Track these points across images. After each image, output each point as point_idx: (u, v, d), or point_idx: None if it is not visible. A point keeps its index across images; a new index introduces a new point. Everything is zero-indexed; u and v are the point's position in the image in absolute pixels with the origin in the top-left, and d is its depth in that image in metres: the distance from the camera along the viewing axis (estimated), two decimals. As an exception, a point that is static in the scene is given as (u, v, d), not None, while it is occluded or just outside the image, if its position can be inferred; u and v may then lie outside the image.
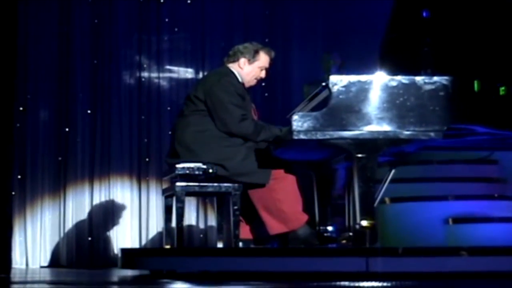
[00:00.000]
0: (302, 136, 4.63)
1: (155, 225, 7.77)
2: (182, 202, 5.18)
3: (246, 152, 5.22)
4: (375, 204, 4.73)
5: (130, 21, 7.98)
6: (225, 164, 5.18)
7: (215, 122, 5.22)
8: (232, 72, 5.39)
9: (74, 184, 7.68)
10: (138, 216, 7.77)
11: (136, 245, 7.66)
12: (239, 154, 5.20)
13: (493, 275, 4.39)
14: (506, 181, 6.23)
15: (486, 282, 4.28)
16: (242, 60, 5.42)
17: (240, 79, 5.39)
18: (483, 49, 5.42)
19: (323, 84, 4.81)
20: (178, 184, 5.18)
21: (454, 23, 5.48)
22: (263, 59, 5.45)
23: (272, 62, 5.57)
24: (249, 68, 5.43)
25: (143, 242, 7.73)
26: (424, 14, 5.44)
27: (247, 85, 5.45)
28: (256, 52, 5.43)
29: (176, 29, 8.08)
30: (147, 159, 7.85)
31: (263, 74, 5.49)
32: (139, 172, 7.83)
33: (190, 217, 7.77)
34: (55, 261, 7.58)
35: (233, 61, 5.43)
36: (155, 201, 7.80)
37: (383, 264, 4.36)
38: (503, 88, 5.06)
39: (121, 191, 7.78)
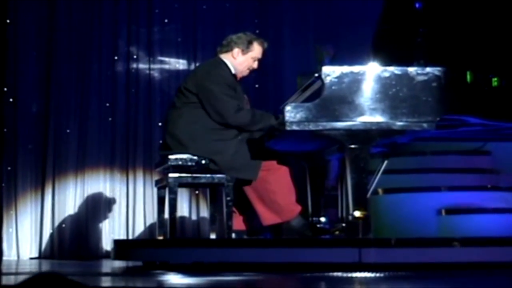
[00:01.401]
0: (295, 127, 4.63)
1: (144, 216, 7.76)
2: (175, 193, 5.18)
3: (236, 146, 5.21)
4: (368, 195, 4.74)
5: (120, 12, 7.95)
6: (215, 159, 5.17)
7: (210, 114, 5.21)
8: (224, 63, 5.37)
9: (63, 175, 7.67)
10: (125, 208, 7.76)
11: (124, 236, 7.65)
12: (229, 149, 5.19)
13: (485, 266, 4.40)
14: (498, 172, 6.24)
15: (479, 272, 4.29)
16: (236, 50, 5.40)
17: (232, 70, 5.38)
18: (475, 40, 5.42)
19: (316, 75, 4.80)
20: (171, 175, 5.17)
21: (447, 14, 5.47)
22: (257, 49, 5.44)
23: (265, 53, 5.56)
24: (243, 58, 5.42)
25: (131, 233, 7.72)
26: (417, 5, 5.44)
27: (239, 75, 5.44)
28: (250, 43, 5.42)
29: (166, 20, 8.06)
30: (135, 151, 7.83)
31: (255, 64, 5.49)
32: (127, 163, 7.82)
33: (183, 208, 7.77)
34: (45, 253, 7.57)
35: (227, 51, 5.42)
36: (145, 192, 7.79)
37: (376, 255, 4.37)
38: (495, 79, 5.07)
39: (111, 182, 7.77)
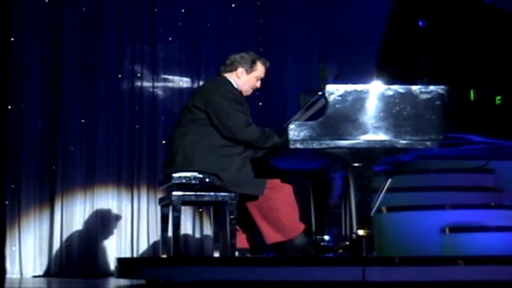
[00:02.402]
0: (298, 145, 4.62)
1: (147, 234, 7.76)
2: (179, 211, 5.18)
3: (241, 162, 5.21)
4: (372, 213, 4.72)
5: (124, 30, 7.98)
6: (220, 175, 5.17)
7: (219, 130, 5.21)
8: (229, 81, 5.40)
9: (67, 193, 7.67)
10: (130, 225, 7.76)
11: (128, 254, 7.65)
12: (234, 165, 5.19)
13: (490, 285, 4.39)
14: (502, 190, 6.24)
15: (483, 291, 4.28)
16: (240, 70, 5.42)
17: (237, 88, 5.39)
18: (479, 58, 5.43)
19: (320, 93, 4.81)
20: (174, 193, 5.17)
21: (450, 32, 5.48)
22: (260, 69, 5.46)
23: (268, 72, 5.58)
24: (247, 78, 5.43)
25: (135, 251, 7.71)
26: (420, 23, 5.45)
27: (243, 94, 5.46)
28: (253, 62, 5.44)
29: (170, 39, 8.08)
30: (140, 169, 7.83)
31: (259, 84, 5.51)
32: (132, 182, 7.82)
33: (186, 226, 7.76)
34: (48, 271, 7.56)
35: (231, 71, 5.44)
36: (148, 210, 7.79)
37: (380, 273, 4.35)
38: (499, 97, 5.07)
39: (114, 201, 7.77)
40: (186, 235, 7.75)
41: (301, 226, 5.27)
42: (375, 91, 4.70)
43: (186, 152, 5.22)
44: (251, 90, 5.51)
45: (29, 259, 7.56)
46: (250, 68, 5.43)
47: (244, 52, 5.55)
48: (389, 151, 4.68)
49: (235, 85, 5.39)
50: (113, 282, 6.05)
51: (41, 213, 7.63)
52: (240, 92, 5.40)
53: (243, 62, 5.43)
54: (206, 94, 5.30)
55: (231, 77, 5.43)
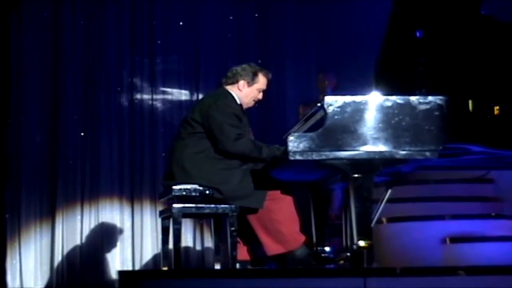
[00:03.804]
0: (298, 157, 4.63)
1: (149, 247, 7.76)
2: (179, 223, 5.18)
3: (241, 175, 5.21)
4: (372, 224, 4.73)
5: (122, 43, 8.00)
6: (220, 188, 5.17)
7: (213, 144, 5.22)
8: (230, 94, 5.39)
9: (67, 206, 7.68)
10: (131, 238, 7.76)
11: (129, 267, 7.64)
12: (234, 178, 5.19)
13: (491, 294, 4.39)
14: (502, 199, 6.25)
15: (484, 301, 4.28)
16: (242, 82, 5.42)
17: (238, 101, 5.39)
18: (477, 68, 5.45)
19: (319, 104, 4.82)
20: (175, 205, 5.17)
21: (448, 43, 5.51)
22: (262, 81, 5.46)
23: (270, 84, 5.58)
24: (248, 90, 5.43)
25: (137, 264, 7.71)
26: (418, 34, 5.47)
27: (245, 106, 5.45)
28: (255, 74, 5.43)
29: (168, 51, 8.10)
30: (140, 181, 7.84)
31: (260, 95, 5.50)
32: (132, 194, 7.83)
33: (187, 239, 7.76)
34: (49, 284, 7.55)
35: (232, 83, 5.43)
36: (149, 223, 7.79)
37: (381, 284, 4.35)
38: (497, 107, 5.09)
39: (115, 213, 7.78)
40: (187, 247, 7.74)
41: (302, 238, 5.27)
42: (374, 102, 4.70)
43: (185, 165, 5.23)
44: (253, 102, 5.50)
45: (30, 272, 7.56)
46: (252, 80, 5.42)
47: (246, 64, 5.54)
48: (388, 161, 4.69)
49: (236, 98, 5.39)
50: (114, 295, 6.04)
51: (41, 226, 7.63)
52: (240, 106, 5.40)
53: (245, 74, 5.43)
54: (205, 107, 5.30)
55: (232, 89, 5.42)
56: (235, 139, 5.18)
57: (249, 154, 5.20)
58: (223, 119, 5.20)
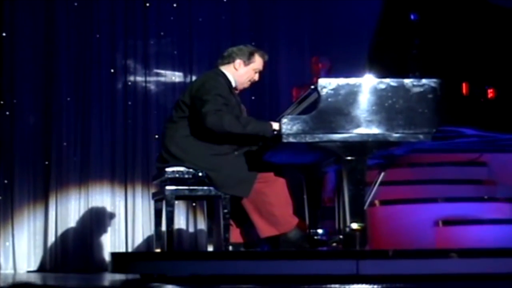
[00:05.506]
0: (291, 139, 4.63)
1: (142, 229, 7.77)
2: (172, 206, 5.18)
3: (232, 163, 5.18)
4: (365, 207, 4.73)
5: (116, 25, 7.97)
6: (210, 175, 5.16)
7: (201, 126, 5.16)
8: (224, 74, 5.35)
9: (61, 188, 7.67)
10: (124, 220, 7.76)
11: (122, 249, 7.65)
12: (225, 165, 5.16)
13: (483, 277, 4.40)
14: (495, 183, 6.26)
15: (476, 284, 4.29)
16: (238, 62, 5.39)
17: (233, 82, 5.36)
18: (471, 51, 5.44)
19: (312, 87, 4.81)
20: (168, 188, 5.17)
21: (442, 25, 5.49)
22: (258, 61, 5.43)
23: (266, 65, 5.56)
24: (244, 70, 5.40)
25: (129, 246, 7.72)
26: (412, 16, 5.45)
27: (240, 87, 5.43)
28: (251, 54, 5.41)
29: (162, 33, 8.08)
30: (133, 164, 7.83)
31: (257, 76, 5.47)
32: (125, 177, 7.82)
33: (180, 221, 7.77)
34: (42, 266, 7.56)
35: (228, 63, 5.40)
36: (141, 205, 7.79)
37: (374, 266, 4.36)
38: (491, 90, 5.08)
39: (108, 196, 7.77)
40: (179, 230, 7.75)
41: (295, 220, 5.27)
42: (368, 85, 4.70)
43: (177, 148, 5.21)
44: (248, 83, 5.46)
45: (23, 254, 7.56)
46: (248, 60, 5.40)
47: (242, 45, 5.52)
48: (382, 144, 4.69)
49: (231, 78, 5.35)
50: (107, 277, 6.05)
51: (35, 209, 7.63)
52: (234, 87, 5.37)
53: (241, 54, 5.40)
54: (194, 90, 5.27)
55: (228, 69, 5.39)
56: (214, 112, 5.03)
57: (229, 128, 5.02)
58: (206, 98, 5.12)
